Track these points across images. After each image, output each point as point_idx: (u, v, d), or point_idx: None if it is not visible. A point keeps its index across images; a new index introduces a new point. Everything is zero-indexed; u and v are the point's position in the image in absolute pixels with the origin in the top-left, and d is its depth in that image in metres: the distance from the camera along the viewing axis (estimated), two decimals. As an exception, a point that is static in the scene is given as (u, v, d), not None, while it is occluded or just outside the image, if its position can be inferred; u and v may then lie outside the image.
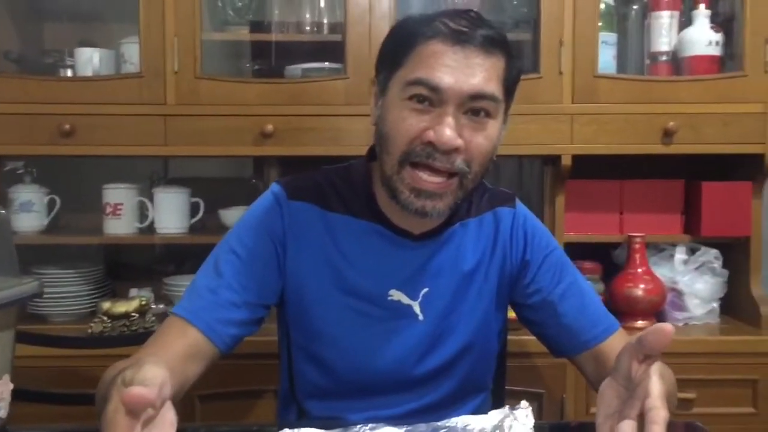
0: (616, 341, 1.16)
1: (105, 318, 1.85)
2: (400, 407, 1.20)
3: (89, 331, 1.86)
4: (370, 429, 1.04)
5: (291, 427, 1.03)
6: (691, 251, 2.02)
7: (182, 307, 1.13)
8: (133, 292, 2.07)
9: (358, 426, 1.04)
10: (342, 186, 1.20)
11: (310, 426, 1.04)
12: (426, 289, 1.18)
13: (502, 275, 1.23)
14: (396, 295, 1.18)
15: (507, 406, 1.06)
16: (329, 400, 1.22)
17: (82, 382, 1.74)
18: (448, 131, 1.03)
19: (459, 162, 1.06)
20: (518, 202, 1.27)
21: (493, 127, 1.08)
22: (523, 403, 1.06)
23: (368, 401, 1.19)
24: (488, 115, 1.06)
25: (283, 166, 2.12)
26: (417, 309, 1.19)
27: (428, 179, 1.06)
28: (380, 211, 1.17)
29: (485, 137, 1.07)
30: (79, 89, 1.91)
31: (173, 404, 1.11)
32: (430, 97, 1.04)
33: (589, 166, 1.95)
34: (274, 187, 1.21)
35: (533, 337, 1.92)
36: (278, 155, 1.98)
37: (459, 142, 1.04)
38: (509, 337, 1.46)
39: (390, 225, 1.17)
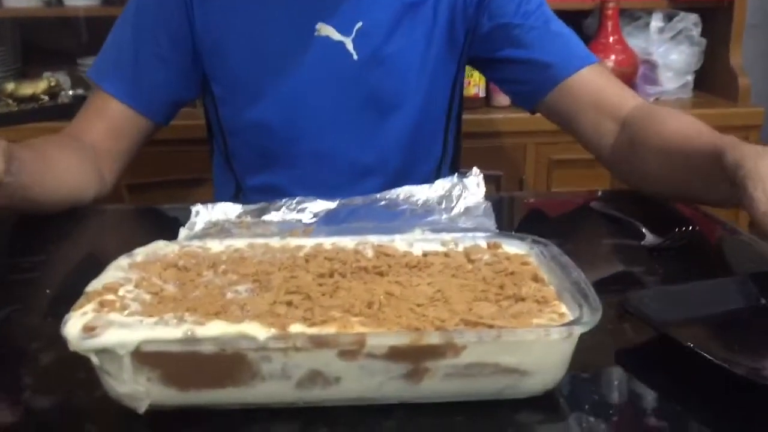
0: (593, 75, 1.02)
1: (10, 101, 1.65)
2: (344, 171, 1.06)
3: (-6, 115, 1.66)
4: (297, 203, 0.89)
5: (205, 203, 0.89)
6: (669, 18, 1.82)
7: (99, 74, 1.05)
8: (48, 76, 1.84)
9: (284, 200, 0.90)
10: None
11: (234, 201, 0.90)
12: (360, 24, 1.03)
13: (454, 14, 1.06)
14: (324, 29, 1.02)
15: (456, 174, 0.93)
16: (267, 170, 1.09)
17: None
18: None
19: None
20: None
21: None
22: (474, 170, 0.92)
23: (305, 166, 1.06)
24: None
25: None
26: (350, 47, 1.03)
27: None
28: None
29: None
30: None
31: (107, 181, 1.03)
32: None
33: None
34: None
35: (491, 116, 1.82)
36: None
37: None
38: (465, 116, 1.31)
39: None
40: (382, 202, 0.93)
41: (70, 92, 1.79)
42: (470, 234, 0.68)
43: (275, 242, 0.66)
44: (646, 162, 0.90)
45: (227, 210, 0.89)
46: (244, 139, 1.08)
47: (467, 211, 0.90)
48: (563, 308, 0.53)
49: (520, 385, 0.50)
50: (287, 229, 0.84)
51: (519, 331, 0.49)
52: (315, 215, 0.89)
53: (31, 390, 0.55)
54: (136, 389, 0.49)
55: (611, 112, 0.98)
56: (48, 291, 0.74)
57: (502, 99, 1.83)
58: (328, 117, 1.05)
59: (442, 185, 0.93)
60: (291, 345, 0.48)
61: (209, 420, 0.50)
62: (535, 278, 0.58)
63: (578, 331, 0.49)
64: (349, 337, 0.48)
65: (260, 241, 0.67)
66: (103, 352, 0.48)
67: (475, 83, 1.79)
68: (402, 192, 0.93)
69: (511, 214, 1.04)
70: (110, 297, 0.53)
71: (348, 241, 0.66)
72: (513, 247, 0.65)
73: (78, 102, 1.60)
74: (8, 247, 0.90)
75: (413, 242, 0.66)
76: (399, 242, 0.66)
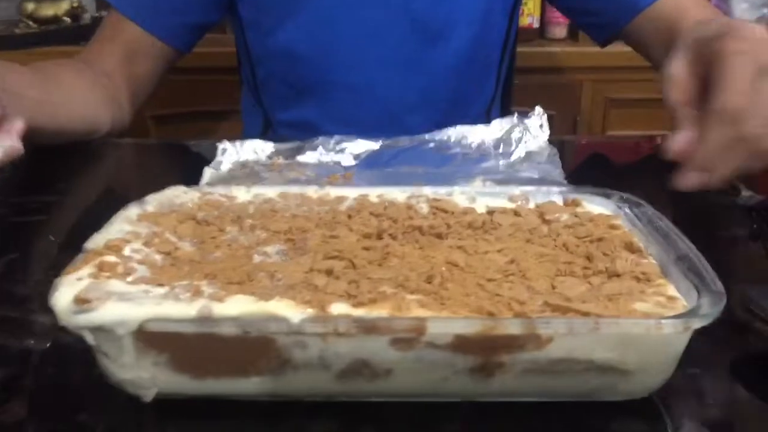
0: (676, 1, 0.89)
1: (30, 23, 1.55)
2: (383, 106, 0.95)
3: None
4: (336, 143, 0.79)
5: (232, 140, 0.80)
6: (747, -57, 1.64)
7: None
8: (72, -3, 1.74)
9: (321, 139, 0.79)
10: None
11: (268, 139, 0.80)
12: None
13: None
14: None
15: (515, 114, 0.82)
16: (298, 103, 0.98)
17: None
18: None
19: None
20: None
21: None
22: (537, 109, 0.81)
23: (339, 100, 0.95)
24: None
25: None
26: None
27: None
28: None
29: None
30: None
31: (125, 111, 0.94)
32: None
33: None
34: None
35: (545, 49, 1.68)
36: None
37: None
38: (519, 48, 1.18)
39: None
40: (431, 144, 0.82)
41: (94, 14, 1.70)
42: (544, 188, 0.57)
43: (312, 192, 0.56)
44: None
45: (257, 148, 0.79)
46: (273, 67, 0.98)
47: (528, 156, 0.79)
48: (671, 289, 0.42)
49: (617, 386, 0.40)
50: (324, 173, 0.73)
51: (623, 321, 0.38)
52: (356, 157, 0.79)
53: (20, 362, 0.47)
54: (140, 375, 0.40)
55: None
56: (53, 238, 0.65)
57: (558, 31, 1.68)
58: (366, 44, 0.93)
59: (499, 126, 0.82)
60: (332, 330, 0.38)
61: (230, 411, 0.41)
62: (630, 247, 0.47)
63: (698, 324, 0.38)
64: (406, 322, 0.38)
65: (294, 190, 0.56)
66: (100, 330, 0.38)
67: (529, 12, 1.64)
68: (454, 133, 0.82)
69: (569, 161, 0.92)
70: (112, 258, 0.43)
71: (398, 193, 0.56)
72: (595, 206, 0.55)
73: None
74: (12, 184, 0.81)
75: (475, 196, 0.56)
76: (458, 196, 0.55)
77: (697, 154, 0.52)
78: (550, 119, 1.69)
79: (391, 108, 0.96)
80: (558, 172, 0.75)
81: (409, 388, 0.40)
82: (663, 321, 0.38)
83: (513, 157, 0.79)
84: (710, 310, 0.38)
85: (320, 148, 0.79)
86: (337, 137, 0.80)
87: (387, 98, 0.95)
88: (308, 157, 0.78)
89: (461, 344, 0.38)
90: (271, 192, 0.56)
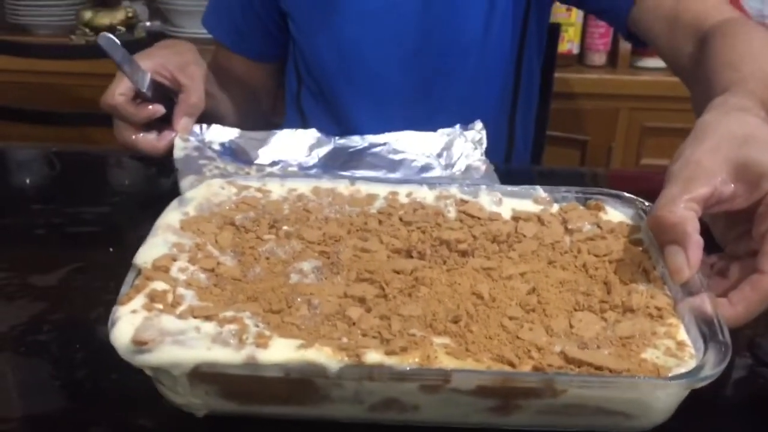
0: None
1: (87, 30, 1.60)
2: (398, 101, 1.01)
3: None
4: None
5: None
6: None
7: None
8: (126, 5, 1.73)
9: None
10: None
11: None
12: None
13: None
14: None
15: (458, 125, 0.81)
16: (325, 98, 1.05)
17: (63, 100, 1.59)
18: None
19: None
20: None
21: None
22: (477, 124, 0.81)
23: (361, 94, 1.02)
24: None
25: None
26: None
27: None
28: None
29: None
30: None
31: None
32: None
33: None
34: None
35: (580, 75, 1.61)
36: None
37: None
38: (558, 74, 1.27)
39: None
40: (380, 148, 0.81)
41: (147, 23, 1.73)
42: (563, 189, 0.59)
43: (343, 188, 0.58)
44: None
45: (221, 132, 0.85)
46: (304, 67, 1.05)
47: (468, 171, 0.78)
48: (681, 332, 0.46)
49: (623, 425, 0.44)
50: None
51: (632, 381, 0.42)
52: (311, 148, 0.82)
53: (84, 369, 0.51)
54: (192, 401, 0.44)
55: (688, 30, 0.82)
56: (111, 249, 0.66)
57: (597, 57, 1.68)
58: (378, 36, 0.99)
59: (442, 135, 0.81)
60: (366, 377, 0.42)
61: (272, 425, 0.46)
62: (648, 274, 0.50)
63: (700, 384, 0.42)
64: (433, 372, 0.42)
65: (326, 185, 0.59)
66: (157, 368, 0.43)
67: (569, 38, 1.62)
68: (402, 137, 0.82)
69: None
70: (161, 285, 0.47)
71: (426, 192, 0.58)
72: (617, 212, 0.57)
73: (152, 38, 1.45)
74: (69, 193, 0.81)
75: (501, 198, 0.58)
76: (484, 197, 0.58)
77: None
78: (584, 145, 1.79)
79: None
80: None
81: (434, 419, 0.45)
82: (669, 382, 0.41)
83: (455, 169, 0.78)
84: (713, 370, 0.42)
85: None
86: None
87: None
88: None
89: (482, 390, 0.42)
90: (303, 186, 0.58)
